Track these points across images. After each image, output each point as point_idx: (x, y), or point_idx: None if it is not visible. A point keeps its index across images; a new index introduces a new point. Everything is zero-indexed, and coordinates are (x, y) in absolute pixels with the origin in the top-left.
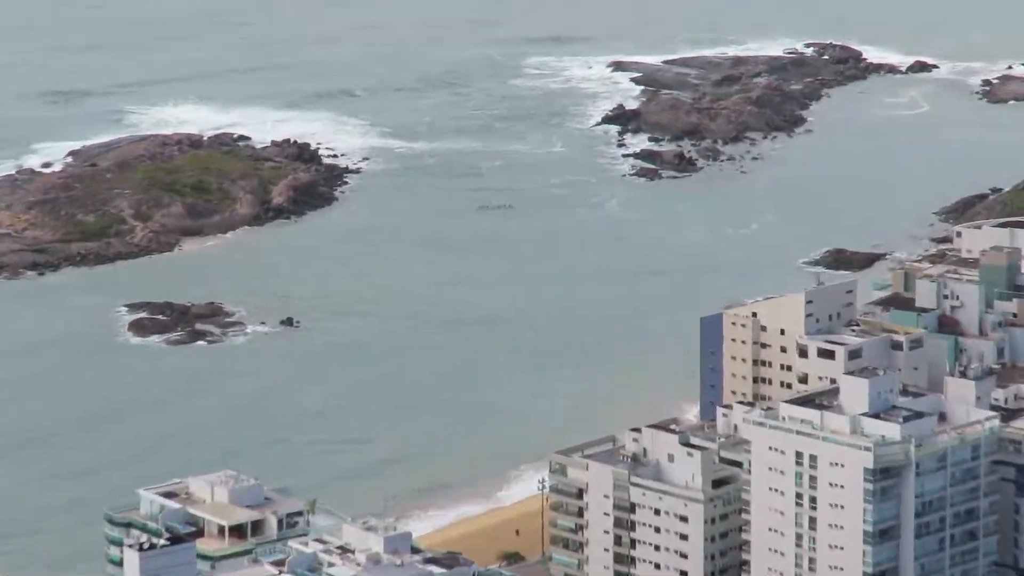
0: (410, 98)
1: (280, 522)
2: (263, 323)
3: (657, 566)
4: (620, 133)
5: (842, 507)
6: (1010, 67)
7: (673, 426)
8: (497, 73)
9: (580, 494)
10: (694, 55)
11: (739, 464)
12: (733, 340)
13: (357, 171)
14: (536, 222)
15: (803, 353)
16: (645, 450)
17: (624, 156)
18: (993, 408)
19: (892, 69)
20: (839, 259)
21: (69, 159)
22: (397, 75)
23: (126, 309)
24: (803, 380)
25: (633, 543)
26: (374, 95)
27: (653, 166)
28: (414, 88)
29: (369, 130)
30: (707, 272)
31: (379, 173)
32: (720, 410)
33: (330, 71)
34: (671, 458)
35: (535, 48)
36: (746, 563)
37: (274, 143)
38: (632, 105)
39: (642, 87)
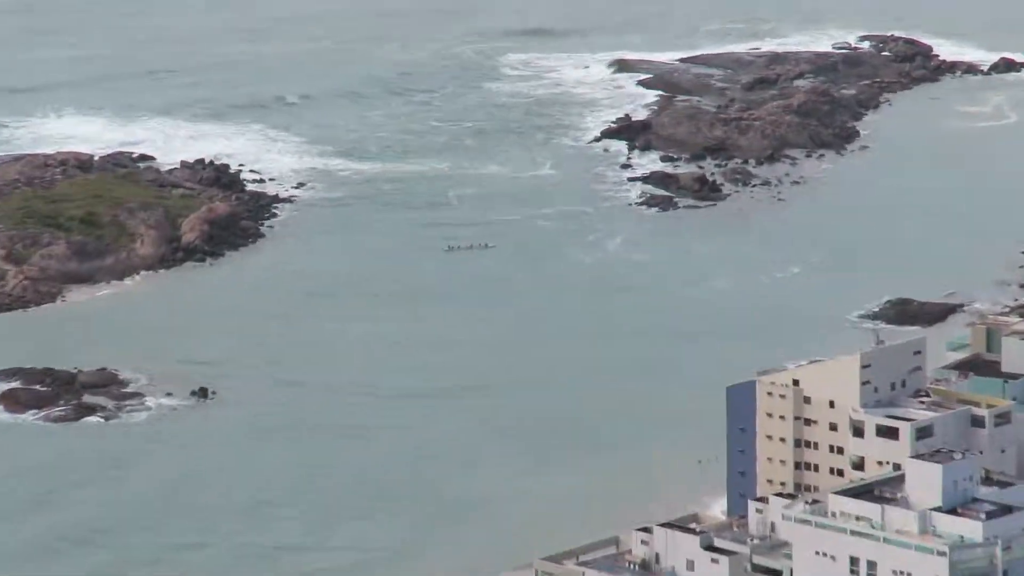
0: (358, 107)
1: None
2: (169, 394)
3: None
4: (627, 151)
5: None
6: None
7: (693, 524)
8: (468, 75)
9: None
10: (720, 51)
11: (778, 573)
12: (769, 415)
13: (290, 200)
14: (519, 266)
15: (858, 431)
16: (657, 555)
17: (630, 180)
18: None
19: (970, 69)
20: (904, 312)
21: None
22: (341, 79)
23: None
24: (858, 466)
25: None
26: (312, 104)
27: (667, 193)
28: (363, 95)
29: (306, 148)
30: (735, 329)
31: (318, 203)
32: (753, 504)
33: (255, 74)
34: (690, 565)
35: (516, 43)
36: None
37: (184, 164)
38: (640, 115)
39: (653, 92)
